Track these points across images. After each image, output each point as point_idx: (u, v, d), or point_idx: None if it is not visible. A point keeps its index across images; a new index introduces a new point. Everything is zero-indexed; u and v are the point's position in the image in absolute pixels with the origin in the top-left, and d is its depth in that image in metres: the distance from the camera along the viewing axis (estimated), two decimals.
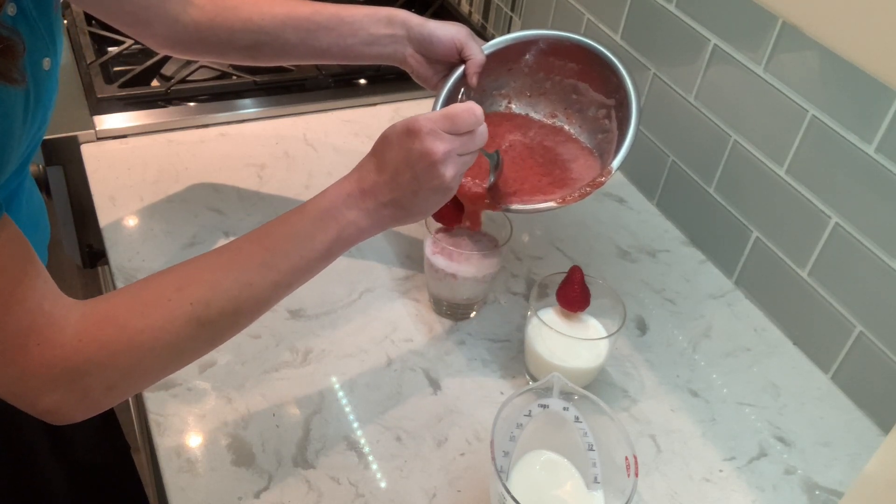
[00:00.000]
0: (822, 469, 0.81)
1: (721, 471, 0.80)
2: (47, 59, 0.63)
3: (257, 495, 0.71)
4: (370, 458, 0.76)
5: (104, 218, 0.98)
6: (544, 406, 0.69)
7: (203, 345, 0.65)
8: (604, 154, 0.89)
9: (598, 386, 0.86)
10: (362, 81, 1.28)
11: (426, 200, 0.69)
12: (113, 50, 1.25)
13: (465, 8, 1.54)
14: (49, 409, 0.58)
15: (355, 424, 0.79)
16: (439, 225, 0.89)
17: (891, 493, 0.45)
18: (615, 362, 0.89)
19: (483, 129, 0.70)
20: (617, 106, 0.89)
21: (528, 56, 0.93)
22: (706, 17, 0.97)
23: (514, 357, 0.88)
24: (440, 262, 0.86)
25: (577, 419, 0.68)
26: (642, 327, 0.94)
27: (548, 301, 0.84)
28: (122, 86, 1.16)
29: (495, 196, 0.84)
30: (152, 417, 0.77)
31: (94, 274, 1.31)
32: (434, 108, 0.88)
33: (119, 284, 0.89)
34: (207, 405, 0.79)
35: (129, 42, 1.25)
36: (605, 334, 0.82)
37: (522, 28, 1.36)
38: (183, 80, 1.19)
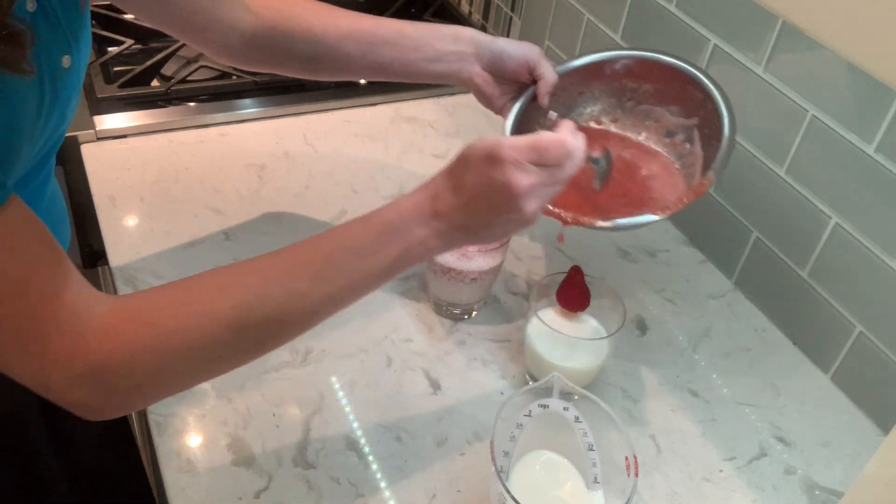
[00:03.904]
0: (822, 469, 0.81)
1: (721, 471, 0.80)
2: (67, 56, 0.62)
3: (257, 495, 0.71)
4: (370, 458, 0.76)
5: (104, 218, 0.98)
6: (544, 406, 0.69)
7: (240, 353, 0.62)
8: (687, 176, 0.84)
9: (598, 386, 0.86)
10: (362, 81, 1.28)
11: (501, 228, 0.65)
12: (113, 50, 1.25)
13: (465, 8, 1.54)
14: (76, 404, 0.56)
15: (355, 424, 0.79)
16: None
17: (891, 493, 0.45)
18: (615, 362, 0.89)
19: (575, 161, 0.64)
20: (700, 124, 0.84)
21: (600, 79, 0.88)
22: (706, 17, 0.97)
23: (514, 357, 0.88)
24: (442, 258, 0.86)
25: (577, 419, 0.68)
26: (642, 327, 0.94)
27: (548, 301, 0.84)
28: (122, 86, 1.16)
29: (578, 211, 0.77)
30: (152, 417, 0.77)
31: (94, 274, 1.31)
32: (505, 129, 0.84)
33: (119, 284, 0.89)
34: (207, 405, 0.79)
35: (129, 42, 1.25)
36: (605, 334, 0.82)
37: (522, 29, 1.37)
38: (183, 80, 1.19)
